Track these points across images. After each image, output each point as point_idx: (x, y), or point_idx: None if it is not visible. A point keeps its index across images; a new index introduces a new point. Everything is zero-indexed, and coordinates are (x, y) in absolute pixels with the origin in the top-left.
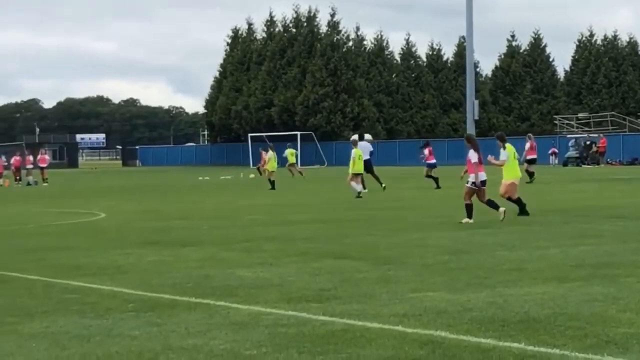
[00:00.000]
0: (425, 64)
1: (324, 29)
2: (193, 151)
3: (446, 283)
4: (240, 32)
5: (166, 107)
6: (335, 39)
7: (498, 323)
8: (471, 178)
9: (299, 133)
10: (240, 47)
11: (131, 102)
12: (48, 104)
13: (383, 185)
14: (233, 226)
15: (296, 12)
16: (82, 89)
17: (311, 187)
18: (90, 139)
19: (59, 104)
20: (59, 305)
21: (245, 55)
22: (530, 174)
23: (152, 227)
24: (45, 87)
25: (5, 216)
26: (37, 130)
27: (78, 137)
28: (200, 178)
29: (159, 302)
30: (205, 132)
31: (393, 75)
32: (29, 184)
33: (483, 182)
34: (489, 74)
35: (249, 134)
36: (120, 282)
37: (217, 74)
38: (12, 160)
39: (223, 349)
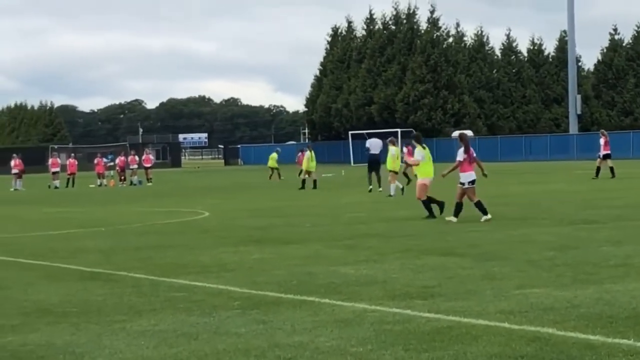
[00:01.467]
0: (526, 59)
1: (423, 25)
2: (294, 149)
3: (552, 279)
4: (340, 31)
5: (267, 106)
6: (435, 35)
7: (606, 319)
8: (461, 178)
9: (399, 130)
10: (340, 45)
11: (232, 102)
12: (151, 104)
13: (372, 188)
14: (335, 223)
15: (396, 9)
16: (184, 89)
17: (413, 184)
18: (192, 138)
19: (162, 104)
20: (166, 304)
21: (345, 53)
22: (611, 169)
23: (255, 225)
24: (148, 88)
25: (112, 216)
26: (141, 130)
27: (180, 137)
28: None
29: (264, 299)
30: (306, 130)
31: (494, 71)
32: (132, 183)
33: (472, 182)
34: (591, 68)
35: (350, 132)
36: (225, 280)
37: (317, 72)
38: (117, 161)
39: (329, 346)
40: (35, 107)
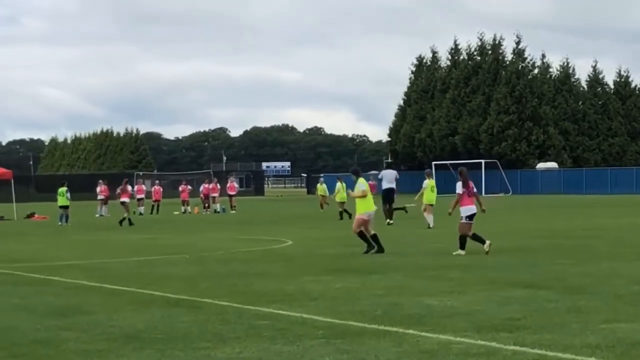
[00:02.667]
0: (612, 90)
1: (509, 56)
2: (377, 179)
3: (639, 314)
4: (424, 61)
5: (350, 135)
6: (520, 66)
7: None
8: (462, 212)
9: (483, 161)
10: (425, 75)
11: (315, 131)
12: (235, 132)
13: (389, 221)
14: (418, 254)
15: (481, 40)
16: (268, 118)
17: (495, 216)
18: (275, 167)
19: (246, 132)
20: (251, 331)
21: (429, 84)
22: None
23: (338, 254)
24: (233, 116)
25: (196, 243)
26: (225, 158)
27: (264, 165)
28: None
29: (348, 329)
30: (389, 160)
31: (579, 103)
32: (216, 211)
33: (470, 217)
34: None
35: (433, 162)
36: (309, 309)
37: (401, 102)
38: (201, 188)
39: None
40: (121, 134)
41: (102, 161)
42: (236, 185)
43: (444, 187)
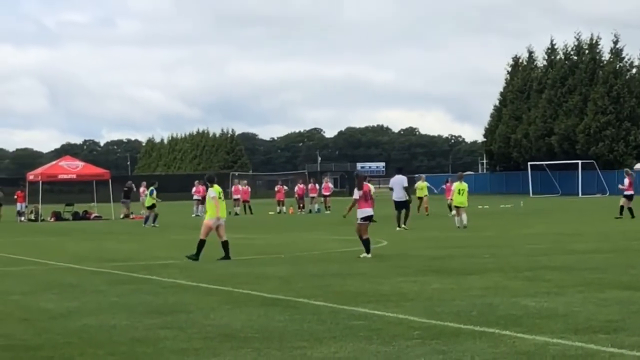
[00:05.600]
0: None
1: (606, 56)
2: (472, 180)
3: None
4: (520, 60)
5: (445, 135)
6: (618, 66)
7: None
8: (358, 214)
9: (579, 162)
10: (521, 75)
11: (410, 131)
12: (329, 133)
13: (399, 227)
14: (514, 255)
15: (578, 39)
16: (362, 118)
17: (591, 217)
18: (370, 167)
19: (340, 133)
20: (346, 331)
21: (525, 84)
22: (629, 210)
23: (433, 255)
24: (327, 117)
25: (291, 243)
26: (319, 159)
27: (358, 165)
28: (480, 207)
29: (443, 330)
30: (484, 161)
31: None
32: (312, 211)
33: (365, 218)
34: None
35: (529, 163)
36: (404, 309)
37: (496, 102)
38: (296, 189)
39: None
40: (217, 135)
41: (198, 162)
42: (331, 185)
43: (541, 188)
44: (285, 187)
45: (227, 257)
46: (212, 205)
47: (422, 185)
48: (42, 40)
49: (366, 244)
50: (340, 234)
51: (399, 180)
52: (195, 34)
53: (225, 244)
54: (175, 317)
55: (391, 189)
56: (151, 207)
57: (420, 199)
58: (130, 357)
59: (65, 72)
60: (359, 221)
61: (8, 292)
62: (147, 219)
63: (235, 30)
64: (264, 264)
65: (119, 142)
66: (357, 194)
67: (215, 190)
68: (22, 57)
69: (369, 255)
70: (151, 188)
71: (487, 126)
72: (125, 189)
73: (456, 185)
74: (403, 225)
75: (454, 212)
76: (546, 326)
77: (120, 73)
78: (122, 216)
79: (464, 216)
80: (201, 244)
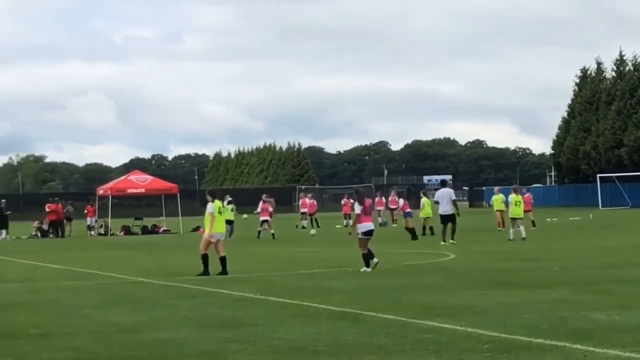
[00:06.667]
0: None
1: None
2: (540, 192)
3: None
4: (589, 72)
5: (512, 148)
6: None
7: None
8: (359, 229)
9: None
10: (589, 86)
11: (477, 144)
12: (396, 146)
13: (444, 242)
14: (585, 268)
15: None
16: (428, 131)
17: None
18: (437, 180)
19: (407, 145)
20: (415, 345)
21: (594, 95)
22: None
23: (501, 268)
24: (393, 130)
25: (356, 256)
26: (386, 172)
27: (425, 178)
28: (548, 219)
29: (513, 343)
30: (553, 173)
31: None
32: (380, 224)
33: (366, 232)
34: None
35: (598, 175)
36: (473, 323)
37: (564, 114)
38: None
39: None
40: (283, 149)
41: (265, 175)
42: (397, 199)
43: (610, 201)
44: (352, 201)
45: (224, 272)
46: (209, 221)
47: (497, 199)
48: (111, 56)
49: (366, 258)
50: (407, 247)
51: (446, 194)
52: (261, 47)
53: (223, 260)
54: (244, 330)
55: (437, 203)
56: (229, 222)
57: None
58: None
59: (133, 87)
60: (359, 236)
61: (79, 306)
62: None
63: (301, 43)
64: (331, 277)
65: (186, 157)
66: (358, 208)
67: (214, 205)
68: (91, 72)
69: (369, 269)
70: (232, 205)
71: (555, 138)
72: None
73: (512, 197)
74: (451, 240)
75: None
76: (617, 340)
77: (187, 87)
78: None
79: (522, 228)
80: (204, 258)
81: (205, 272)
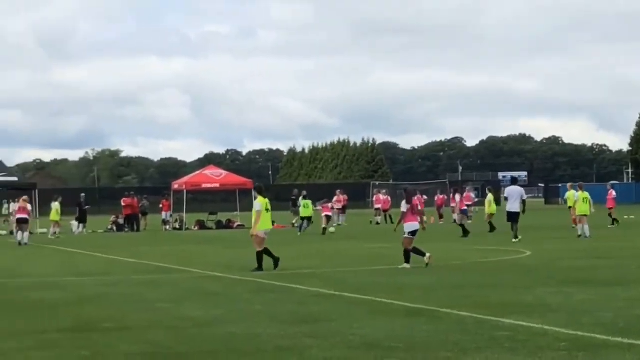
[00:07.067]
0: None
1: None
2: (617, 189)
3: None
4: None
5: (589, 144)
6: None
7: None
8: (405, 228)
9: None
10: None
11: (553, 140)
12: (471, 142)
13: (516, 239)
14: None
15: None
16: (503, 127)
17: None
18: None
19: (482, 142)
20: (491, 342)
21: None
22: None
23: (577, 266)
24: (468, 126)
25: (432, 252)
26: (460, 168)
27: (500, 175)
28: (626, 217)
29: (591, 341)
30: (630, 170)
31: None
32: (455, 221)
33: (412, 232)
34: None
35: None
36: (549, 321)
37: None
38: (436, 198)
39: None
40: (358, 144)
41: (339, 171)
42: (472, 195)
43: None
44: (425, 197)
45: (276, 262)
46: (256, 218)
47: (571, 195)
48: (186, 52)
49: (407, 255)
50: (481, 244)
51: (516, 191)
52: (335, 43)
53: (266, 253)
54: (319, 326)
55: (506, 199)
56: (308, 218)
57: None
58: None
59: (207, 82)
60: (405, 235)
61: (155, 300)
62: (300, 227)
63: (375, 39)
64: (405, 274)
65: (260, 152)
66: (404, 207)
67: (261, 202)
68: (166, 68)
69: (408, 266)
70: (307, 201)
71: (632, 135)
72: (293, 197)
73: (580, 195)
74: (515, 240)
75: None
76: None
77: (262, 83)
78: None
79: (587, 227)
80: (259, 255)
81: (260, 268)
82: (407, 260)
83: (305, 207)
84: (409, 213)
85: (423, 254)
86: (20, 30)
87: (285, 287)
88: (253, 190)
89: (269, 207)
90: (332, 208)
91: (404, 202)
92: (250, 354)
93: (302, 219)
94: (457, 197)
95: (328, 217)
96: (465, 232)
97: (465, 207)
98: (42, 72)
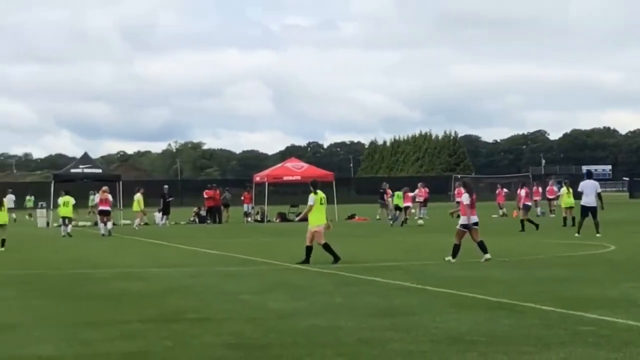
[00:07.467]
0: None
1: None
2: None
3: None
4: None
5: None
6: None
7: None
8: (462, 220)
9: None
10: None
11: (638, 133)
12: (554, 135)
13: (578, 234)
14: None
15: None
16: (587, 120)
17: None
18: (595, 170)
19: (565, 135)
20: (574, 337)
21: None
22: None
23: None
24: (551, 119)
25: (514, 246)
26: (543, 161)
27: (583, 168)
28: None
29: None
30: None
31: None
32: (537, 215)
33: (475, 223)
34: None
35: None
36: (634, 316)
37: None
38: (518, 192)
39: None
40: (439, 137)
41: (420, 164)
42: (555, 189)
43: None
44: (506, 190)
45: (336, 259)
46: (311, 212)
47: None
48: (267, 44)
49: (482, 245)
50: (566, 238)
51: (591, 185)
52: (417, 35)
53: (326, 247)
54: (401, 319)
55: (580, 193)
56: (399, 208)
57: None
58: (357, 358)
59: (288, 75)
60: (459, 227)
61: (238, 291)
62: (396, 217)
63: (457, 31)
64: (487, 268)
65: (341, 144)
66: (466, 199)
67: (315, 197)
68: (247, 60)
69: (489, 256)
70: (399, 192)
71: None
72: (381, 190)
73: None
74: (597, 234)
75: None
76: None
77: (342, 76)
78: (377, 217)
79: None
80: (308, 249)
81: (307, 261)
82: (485, 250)
83: (398, 197)
84: (470, 205)
85: (455, 255)
86: (104, 24)
87: (367, 280)
88: (310, 186)
89: (324, 201)
90: (414, 200)
91: (465, 195)
92: (332, 346)
93: (397, 209)
94: (523, 192)
95: (407, 208)
96: (523, 228)
97: (529, 203)
98: (126, 65)
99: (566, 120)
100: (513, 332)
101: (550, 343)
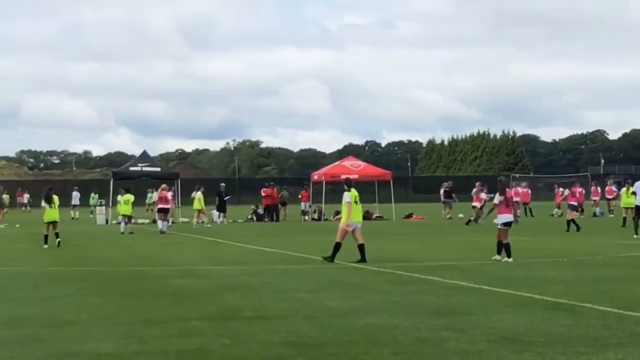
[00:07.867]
0: None
1: None
2: None
3: None
4: None
5: None
6: None
7: None
8: (500, 219)
9: None
10: None
11: None
12: (613, 135)
13: (637, 234)
14: None
15: None
16: None
17: None
18: None
19: (624, 135)
20: (633, 338)
21: None
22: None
23: None
24: (610, 118)
25: (573, 246)
26: (602, 161)
27: None
28: None
29: None
30: None
31: None
32: (595, 214)
33: (505, 224)
34: None
35: None
36: None
37: None
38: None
39: None
40: (498, 136)
41: (478, 163)
42: (614, 189)
43: None
44: (562, 190)
45: (363, 259)
46: (346, 210)
47: None
48: (324, 43)
49: (507, 248)
50: (624, 238)
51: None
52: (476, 34)
53: (361, 247)
54: (457, 318)
55: (634, 194)
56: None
57: None
58: (414, 357)
59: (346, 74)
60: (499, 226)
61: (295, 289)
62: (477, 219)
63: (516, 30)
64: (545, 268)
65: (399, 143)
66: (498, 199)
67: (350, 194)
68: (304, 59)
69: (510, 260)
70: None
71: None
72: (447, 189)
73: None
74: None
75: None
76: None
77: (400, 75)
78: (448, 217)
79: None
80: (337, 246)
81: (332, 258)
82: (499, 252)
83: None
84: (502, 205)
85: (500, 253)
86: (163, 22)
87: (424, 279)
88: (344, 184)
89: (358, 199)
90: (483, 201)
91: (497, 194)
92: (389, 345)
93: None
94: (566, 191)
95: (474, 207)
96: (569, 227)
97: (575, 203)
98: (184, 63)
99: (626, 119)
100: (571, 333)
101: (608, 344)
